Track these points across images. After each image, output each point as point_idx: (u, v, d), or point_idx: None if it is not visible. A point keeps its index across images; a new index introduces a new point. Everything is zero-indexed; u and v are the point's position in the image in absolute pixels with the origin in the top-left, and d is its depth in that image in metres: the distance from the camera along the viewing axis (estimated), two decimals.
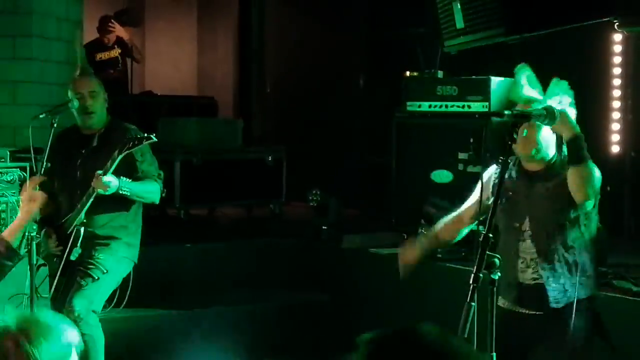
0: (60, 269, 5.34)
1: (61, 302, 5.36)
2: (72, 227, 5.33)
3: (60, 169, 5.48)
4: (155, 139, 5.28)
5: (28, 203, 4.45)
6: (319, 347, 7.13)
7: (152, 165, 5.55)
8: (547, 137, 4.21)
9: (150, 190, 5.50)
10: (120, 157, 5.23)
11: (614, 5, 5.65)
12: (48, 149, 5.41)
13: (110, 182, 5.20)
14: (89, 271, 5.35)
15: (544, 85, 4.35)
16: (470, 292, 3.43)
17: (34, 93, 7.72)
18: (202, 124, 9.74)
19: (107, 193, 5.23)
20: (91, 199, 5.28)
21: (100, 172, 5.20)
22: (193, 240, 7.57)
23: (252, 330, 6.96)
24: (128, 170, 5.38)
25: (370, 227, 8.13)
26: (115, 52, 10.72)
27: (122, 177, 5.27)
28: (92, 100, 5.47)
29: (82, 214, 5.33)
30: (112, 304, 5.54)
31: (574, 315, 4.15)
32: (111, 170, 5.24)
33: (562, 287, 4.21)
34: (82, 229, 5.34)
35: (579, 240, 4.21)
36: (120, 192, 5.27)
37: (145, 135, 5.31)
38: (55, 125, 5.37)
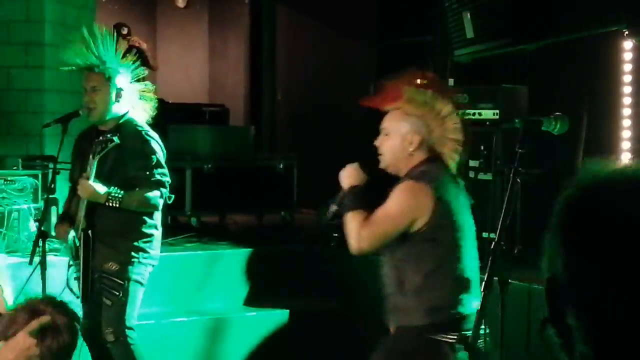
0: (81, 272, 5.26)
1: (92, 306, 5.33)
2: (79, 232, 5.29)
3: (79, 170, 5.41)
4: (117, 141, 5.19)
5: None
6: (331, 354, 7.14)
7: (158, 171, 5.37)
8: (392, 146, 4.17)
9: (148, 199, 5.31)
10: (95, 162, 5.17)
11: (623, 14, 5.66)
12: (72, 153, 5.43)
13: (95, 189, 5.12)
14: (109, 288, 5.28)
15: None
16: (481, 299, 3.44)
17: (46, 101, 7.75)
18: (213, 132, 9.76)
19: (93, 200, 5.17)
20: (84, 204, 5.22)
21: (84, 174, 5.16)
22: (203, 248, 7.58)
23: (263, 337, 6.97)
24: (130, 175, 5.31)
25: None
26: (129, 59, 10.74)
27: (112, 187, 5.17)
28: (92, 96, 5.38)
29: (82, 219, 5.26)
30: None
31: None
32: (92, 175, 5.19)
33: None
34: (90, 232, 5.26)
35: None
36: (109, 201, 5.16)
37: (110, 137, 5.23)
38: (66, 133, 5.38)
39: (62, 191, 6.29)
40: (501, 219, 3.64)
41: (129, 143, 5.28)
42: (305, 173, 9.48)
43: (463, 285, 3.96)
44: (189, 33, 13.54)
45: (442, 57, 8.22)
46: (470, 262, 4.00)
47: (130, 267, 5.31)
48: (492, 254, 3.54)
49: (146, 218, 5.40)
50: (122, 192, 5.19)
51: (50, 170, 5.31)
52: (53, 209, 6.68)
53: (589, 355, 1.35)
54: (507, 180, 3.79)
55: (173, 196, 5.61)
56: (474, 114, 7.21)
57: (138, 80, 5.60)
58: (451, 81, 7.72)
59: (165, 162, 5.49)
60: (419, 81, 4.11)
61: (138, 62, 5.63)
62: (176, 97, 12.34)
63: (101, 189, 5.14)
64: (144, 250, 5.37)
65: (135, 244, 5.35)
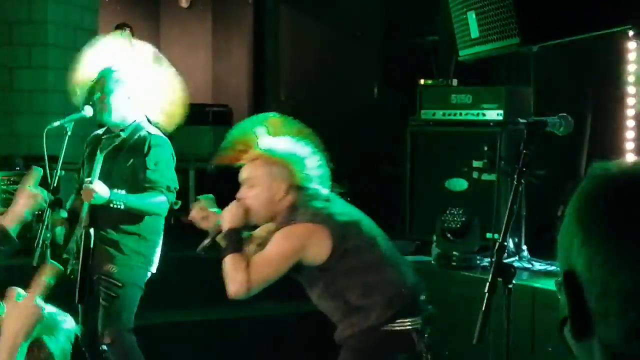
0: (79, 272, 5.26)
1: (89, 309, 5.32)
2: (81, 230, 5.28)
3: (87, 172, 5.43)
4: (124, 135, 5.25)
5: (27, 199, 4.24)
6: (331, 356, 7.13)
7: (164, 176, 5.45)
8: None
9: (152, 204, 5.33)
10: (102, 156, 5.20)
11: (628, 15, 5.65)
12: (82, 154, 5.47)
13: (98, 192, 5.12)
14: (106, 289, 5.28)
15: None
16: (485, 300, 3.43)
17: (49, 102, 7.74)
18: (217, 132, 9.75)
19: (95, 203, 5.16)
20: (85, 205, 5.23)
21: (87, 179, 5.17)
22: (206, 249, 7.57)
23: (266, 337, 6.96)
24: (137, 178, 5.33)
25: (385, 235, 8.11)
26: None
27: (114, 190, 5.16)
28: (104, 101, 5.43)
29: (84, 217, 5.26)
30: None
31: None
32: (97, 172, 5.19)
33: None
34: (92, 231, 5.25)
35: None
36: (112, 205, 5.16)
37: (116, 133, 5.29)
38: (69, 133, 5.38)
39: (65, 192, 6.28)
40: (505, 220, 3.62)
41: (139, 147, 5.31)
42: None
43: (398, 269, 4.15)
44: (192, 33, 13.52)
45: (446, 57, 8.21)
46: (386, 244, 4.21)
47: (128, 270, 5.32)
48: (496, 255, 3.53)
49: (149, 222, 5.40)
50: (124, 199, 5.18)
51: (54, 171, 5.30)
52: (56, 209, 6.67)
53: (616, 346, 1.32)
54: (511, 181, 3.78)
55: (180, 202, 5.62)
56: (477, 115, 7.21)
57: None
58: (455, 81, 7.71)
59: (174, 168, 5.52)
60: (270, 129, 4.12)
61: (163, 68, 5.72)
62: None
63: (105, 193, 5.13)
64: (144, 255, 5.38)
65: (136, 247, 5.36)
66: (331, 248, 3.98)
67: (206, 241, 4.17)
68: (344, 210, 4.20)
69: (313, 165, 4.15)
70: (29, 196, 4.14)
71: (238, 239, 4.07)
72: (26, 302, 2.74)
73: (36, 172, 4.17)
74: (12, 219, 4.16)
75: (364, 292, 4.06)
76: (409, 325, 4.09)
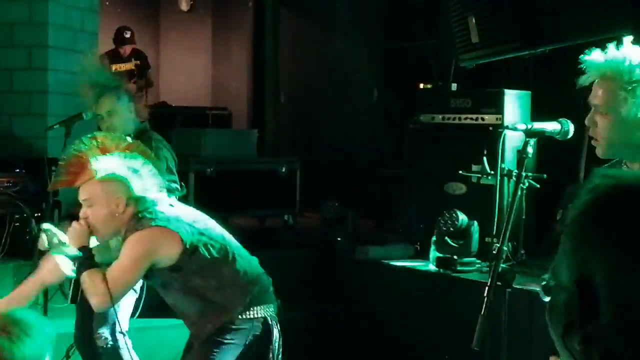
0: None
1: (83, 313, 5.31)
2: None
3: None
4: (129, 141, 5.27)
5: (53, 266, 4.27)
6: (330, 358, 7.13)
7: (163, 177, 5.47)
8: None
9: None
10: None
11: (629, 20, 5.66)
12: None
13: None
14: None
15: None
16: (484, 305, 3.43)
17: (49, 103, 7.75)
18: (216, 135, 9.77)
19: None
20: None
21: None
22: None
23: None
24: None
25: (384, 238, 8.12)
26: (132, 64, 10.75)
27: None
28: (110, 120, 5.51)
29: None
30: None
31: None
32: None
33: None
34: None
35: None
36: None
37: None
38: (69, 135, 5.39)
39: (65, 194, 6.29)
40: (504, 224, 3.63)
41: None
42: (308, 176, 9.48)
43: (248, 260, 4.36)
44: (193, 36, 13.54)
45: (446, 62, 8.22)
46: (232, 239, 4.37)
47: None
48: (495, 259, 3.54)
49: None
50: None
51: (53, 173, 5.31)
52: (55, 212, 6.68)
53: (624, 355, 1.33)
54: (510, 185, 3.78)
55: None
56: (477, 119, 7.21)
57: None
58: (454, 86, 7.71)
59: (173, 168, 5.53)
60: (99, 148, 4.20)
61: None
62: (179, 101, 12.35)
63: None
64: None
65: None
66: (181, 248, 4.10)
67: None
68: (188, 212, 4.33)
69: (147, 174, 4.25)
70: (55, 265, 4.22)
71: (90, 255, 4.15)
72: None
73: (48, 232, 4.24)
74: (35, 286, 4.26)
75: (219, 286, 4.20)
76: (264, 313, 4.30)
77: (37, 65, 7.77)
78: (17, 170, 6.96)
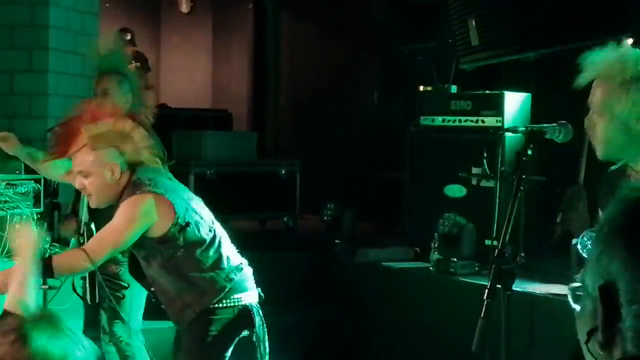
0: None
1: (94, 312, 5.30)
2: (82, 226, 5.26)
3: None
4: None
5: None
6: None
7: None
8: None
9: None
10: None
11: (629, 23, 5.66)
12: None
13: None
14: (113, 290, 5.26)
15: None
16: (484, 308, 3.43)
17: (50, 106, 7.75)
18: (217, 137, 9.76)
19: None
20: (84, 200, 5.20)
21: None
22: None
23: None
24: None
25: (384, 241, 8.13)
26: (132, 66, 10.74)
27: None
28: (102, 100, 5.42)
29: (85, 213, 5.23)
30: None
31: None
32: None
33: None
34: (93, 225, 5.22)
35: None
36: None
37: None
38: None
39: (64, 195, 6.29)
40: (504, 227, 3.62)
41: None
42: (308, 178, 9.48)
43: (233, 247, 4.37)
44: (193, 39, 13.55)
45: (446, 64, 8.22)
46: (219, 225, 4.34)
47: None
48: (495, 261, 3.53)
49: None
50: None
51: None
52: (55, 213, 6.67)
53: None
54: (511, 187, 3.78)
55: None
56: (477, 121, 7.21)
57: (145, 89, 5.65)
58: (455, 88, 7.71)
59: (170, 167, 5.49)
60: (89, 116, 4.20)
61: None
62: (179, 103, 12.36)
63: None
64: None
65: None
66: (173, 219, 4.10)
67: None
68: (182, 187, 4.37)
69: (139, 137, 4.24)
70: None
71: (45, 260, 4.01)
72: None
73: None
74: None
75: (200, 267, 4.19)
76: (246, 300, 4.28)
77: (37, 68, 7.78)
78: (17, 171, 6.95)
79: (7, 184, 6.61)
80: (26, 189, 6.71)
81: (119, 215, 4.10)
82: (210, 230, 4.26)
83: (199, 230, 4.19)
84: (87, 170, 4.20)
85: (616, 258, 1.42)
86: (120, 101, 5.38)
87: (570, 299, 1.71)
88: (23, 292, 3.78)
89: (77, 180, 4.27)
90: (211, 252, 4.23)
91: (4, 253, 6.51)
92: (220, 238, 4.30)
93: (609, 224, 1.46)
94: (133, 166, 4.21)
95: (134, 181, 4.17)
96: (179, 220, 4.12)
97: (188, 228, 4.15)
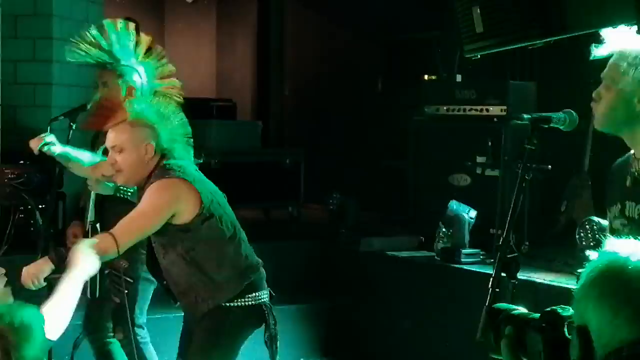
0: None
1: (97, 306, 5.30)
2: (87, 226, 5.25)
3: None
4: None
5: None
6: (335, 350, 7.14)
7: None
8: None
9: None
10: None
11: (634, 11, 5.63)
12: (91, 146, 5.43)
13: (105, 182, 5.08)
14: (117, 285, 5.24)
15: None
16: (488, 296, 3.43)
17: (54, 95, 7.74)
18: (221, 126, 9.75)
19: (102, 193, 5.15)
20: (92, 197, 5.18)
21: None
22: None
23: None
24: None
25: (388, 230, 8.12)
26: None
27: None
28: (102, 92, 5.39)
29: (91, 212, 5.22)
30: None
31: None
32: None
33: None
34: (98, 226, 5.21)
35: None
36: (120, 195, 5.07)
37: None
38: (73, 127, 5.36)
39: (69, 186, 6.29)
40: (509, 216, 3.62)
41: None
42: (313, 168, 9.48)
43: (250, 246, 4.36)
44: (197, 28, 13.53)
45: (450, 53, 8.21)
46: (235, 222, 4.31)
47: (140, 265, 5.26)
48: (499, 251, 3.53)
49: None
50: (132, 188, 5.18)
51: (58, 165, 5.28)
52: (60, 203, 6.68)
53: None
54: (515, 176, 3.77)
55: None
56: (481, 110, 7.20)
57: (162, 78, 5.58)
58: (459, 77, 7.70)
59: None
60: (129, 93, 4.23)
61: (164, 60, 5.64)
62: (183, 92, 12.32)
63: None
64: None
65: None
66: (199, 208, 4.10)
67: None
68: (208, 180, 4.35)
69: (177, 123, 4.30)
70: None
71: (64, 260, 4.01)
72: None
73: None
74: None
75: (219, 262, 4.20)
76: (259, 299, 4.27)
77: (41, 57, 7.77)
78: (22, 161, 6.95)
79: (11, 174, 6.63)
80: (31, 179, 6.71)
81: (147, 199, 4.10)
82: (231, 226, 4.25)
83: (221, 224, 4.19)
84: (121, 145, 4.21)
85: (590, 305, 1.97)
86: (119, 94, 5.28)
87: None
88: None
89: (109, 155, 4.27)
90: (231, 248, 4.24)
91: (8, 244, 6.53)
92: (240, 236, 4.30)
93: (587, 276, 1.99)
94: (164, 151, 4.21)
95: (163, 166, 4.19)
96: (204, 211, 4.12)
97: (211, 220, 4.15)
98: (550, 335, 2.23)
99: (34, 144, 4.79)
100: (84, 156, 4.88)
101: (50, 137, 4.86)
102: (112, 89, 5.26)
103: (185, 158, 4.29)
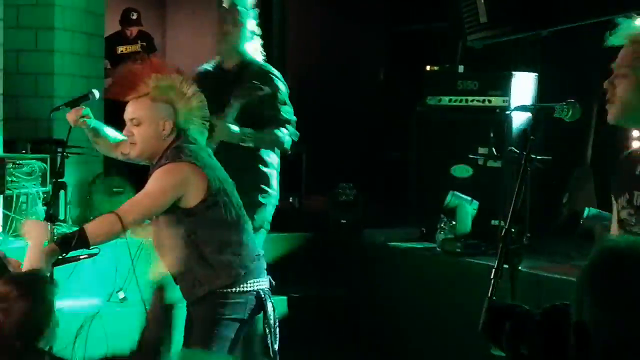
0: None
1: None
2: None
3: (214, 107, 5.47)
4: (268, 91, 5.61)
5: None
6: (337, 340, 7.14)
7: (279, 108, 5.78)
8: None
9: (276, 139, 5.76)
10: (238, 106, 5.40)
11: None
12: None
13: (231, 128, 5.37)
14: None
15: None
16: (491, 287, 3.43)
17: (56, 85, 7.74)
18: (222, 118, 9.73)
19: (228, 140, 5.37)
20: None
21: (220, 115, 5.36)
22: None
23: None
24: (254, 113, 5.51)
25: (390, 221, 8.12)
26: (137, 46, 10.70)
27: (245, 128, 5.40)
28: (229, 28, 6.08)
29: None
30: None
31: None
32: (231, 118, 5.39)
33: None
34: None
35: None
36: (242, 144, 5.37)
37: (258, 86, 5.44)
38: (97, 96, 5.35)
39: (70, 175, 6.29)
40: (512, 207, 3.61)
41: (257, 82, 5.40)
42: (315, 159, 9.47)
43: (253, 235, 4.42)
44: (199, 18, 13.50)
45: (453, 43, 8.19)
46: (241, 211, 4.33)
47: None
48: (502, 242, 3.53)
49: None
50: (254, 131, 5.45)
51: (59, 155, 5.29)
52: (61, 193, 6.68)
53: None
54: (518, 167, 3.77)
55: (298, 133, 6.00)
56: (484, 101, 7.19)
57: None
58: (461, 68, 7.69)
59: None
60: (154, 68, 4.27)
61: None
62: None
63: (236, 128, 5.37)
64: None
65: None
66: (205, 194, 4.14)
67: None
68: (219, 166, 4.36)
69: (196, 104, 4.33)
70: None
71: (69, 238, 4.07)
72: None
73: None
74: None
75: (219, 248, 4.22)
76: (258, 286, 4.30)
77: (43, 47, 7.75)
78: (24, 151, 6.96)
79: (13, 163, 6.63)
80: (32, 168, 6.72)
81: (154, 180, 4.14)
82: (236, 215, 4.27)
83: (226, 212, 4.22)
84: (140, 118, 4.24)
85: (585, 299, 1.94)
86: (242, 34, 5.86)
87: None
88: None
89: (126, 128, 4.30)
90: (233, 236, 4.26)
91: (11, 231, 6.54)
92: (244, 225, 4.33)
93: (583, 273, 1.97)
94: (180, 131, 4.24)
95: (177, 146, 4.22)
96: (210, 197, 4.15)
97: (216, 207, 4.18)
98: (550, 330, 2.21)
99: (71, 117, 4.82)
100: (110, 132, 4.92)
101: (86, 111, 4.92)
102: (237, 31, 5.49)
103: (198, 141, 4.32)
